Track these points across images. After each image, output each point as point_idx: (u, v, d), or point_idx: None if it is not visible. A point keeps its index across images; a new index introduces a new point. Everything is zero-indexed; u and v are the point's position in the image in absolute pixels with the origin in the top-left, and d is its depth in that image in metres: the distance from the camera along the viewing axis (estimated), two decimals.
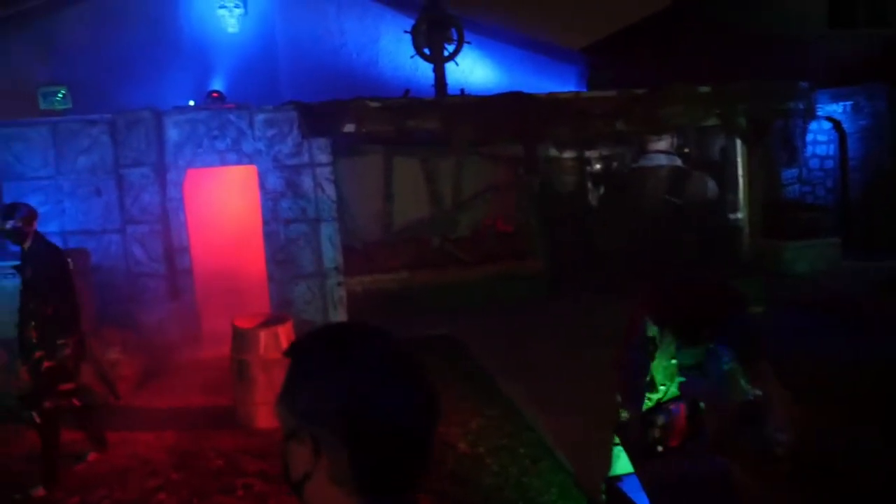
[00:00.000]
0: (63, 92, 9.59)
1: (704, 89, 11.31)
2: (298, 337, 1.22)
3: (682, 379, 3.76)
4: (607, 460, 4.26)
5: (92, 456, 5.57)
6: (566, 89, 12.58)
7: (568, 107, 10.93)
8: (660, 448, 3.19)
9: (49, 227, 9.16)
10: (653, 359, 3.76)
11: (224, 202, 10.57)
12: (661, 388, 3.85)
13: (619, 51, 16.06)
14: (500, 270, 10.72)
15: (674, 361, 3.74)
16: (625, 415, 4.04)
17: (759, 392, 3.02)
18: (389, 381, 1.14)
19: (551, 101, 11.00)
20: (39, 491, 5.01)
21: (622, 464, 4.06)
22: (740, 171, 11.82)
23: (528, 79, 13.33)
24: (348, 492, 1.12)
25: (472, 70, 13.44)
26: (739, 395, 3.39)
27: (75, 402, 5.41)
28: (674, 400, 3.30)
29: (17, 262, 5.41)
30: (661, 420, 3.22)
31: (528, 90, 11.16)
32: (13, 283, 6.00)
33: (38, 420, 5.12)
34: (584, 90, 13.64)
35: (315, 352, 1.19)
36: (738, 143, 11.79)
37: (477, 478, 5.09)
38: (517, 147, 11.06)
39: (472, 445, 5.59)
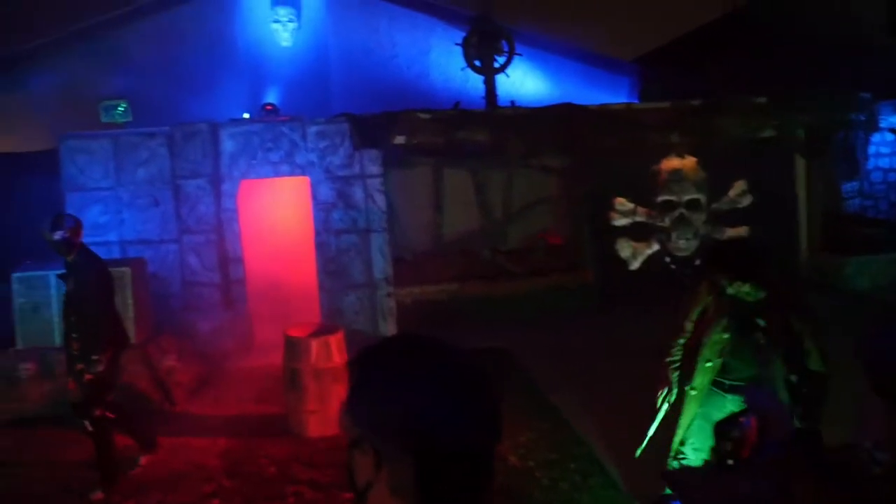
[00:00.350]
0: (124, 105, 9.87)
1: (761, 100, 11.07)
2: (364, 347, 1.22)
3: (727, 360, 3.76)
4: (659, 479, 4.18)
5: (144, 459, 5.66)
6: (617, 100, 12.47)
7: (619, 118, 10.83)
8: (731, 461, 3.14)
9: (109, 236, 9.45)
10: (707, 333, 3.77)
11: (277, 213, 10.73)
12: (708, 364, 3.80)
13: (672, 61, 15.83)
14: (551, 283, 10.62)
15: (726, 336, 3.71)
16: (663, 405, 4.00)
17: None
18: (452, 396, 1.13)
19: (602, 112, 10.90)
20: (98, 495, 5.11)
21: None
22: (798, 184, 11.51)
23: (579, 90, 13.26)
24: None
25: (523, 82, 13.42)
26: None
27: (108, 414, 5.40)
28: (744, 413, 3.24)
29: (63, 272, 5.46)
30: (735, 433, 3.16)
31: (579, 101, 11.10)
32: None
33: (90, 428, 5.23)
34: (636, 101, 13.49)
35: (379, 363, 1.18)
36: (797, 155, 11.49)
37: (527, 492, 5.03)
38: (568, 158, 10.98)
39: (523, 459, 5.53)
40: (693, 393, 3.89)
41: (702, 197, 10.88)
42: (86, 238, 9.15)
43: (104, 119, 9.79)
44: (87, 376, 5.11)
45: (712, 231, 10.89)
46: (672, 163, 10.93)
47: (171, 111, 11.24)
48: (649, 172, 10.94)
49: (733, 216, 11.01)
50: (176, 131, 9.53)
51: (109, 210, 9.52)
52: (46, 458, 5.92)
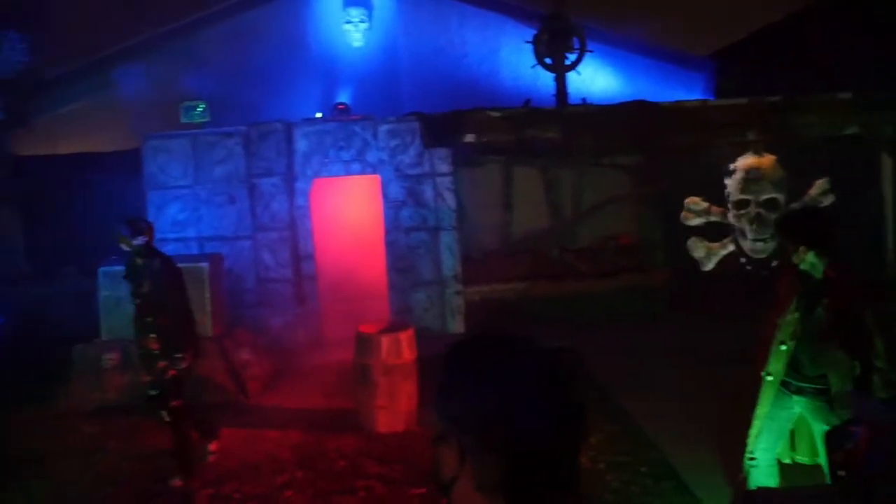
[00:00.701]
0: (202, 106, 10.18)
1: (845, 96, 10.64)
2: (453, 343, 1.22)
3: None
4: (735, 487, 4.07)
5: (213, 446, 5.79)
6: (692, 97, 12.18)
7: (693, 116, 10.58)
8: (842, 473, 3.03)
9: (187, 233, 9.77)
10: (781, 315, 3.73)
11: (347, 211, 10.88)
12: (782, 347, 3.72)
13: (749, 56, 15.35)
14: (621, 284, 10.46)
15: (797, 315, 3.62)
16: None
17: None
18: (539, 394, 1.12)
19: (676, 109, 10.68)
20: (177, 482, 5.29)
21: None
22: (885, 184, 11.02)
23: (652, 87, 13.01)
24: (491, 500, 1.11)
25: (594, 79, 13.25)
26: None
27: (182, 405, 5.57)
28: (854, 422, 3.14)
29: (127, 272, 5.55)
30: (847, 444, 3.06)
31: (652, 98, 10.91)
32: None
33: (167, 418, 5.42)
34: (712, 98, 13.15)
35: (466, 359, 1.18)
36: (883, 154, 10.99)
37: (598, 494, 4.96)
38: (640, 157, 10.79)
39: (593, 461, 5.46)
40: (769, 379, 3.82)
41: (780, 196, 10.51)
42: (166, 234, 9.54)
43: (184, 119, 10.11)
44: (171, 372, 5.30)
45: None
46: (749, 161, 10.61)
47: (246, 111, 11.53)
48: (725, 171, 10.65)
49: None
50: (252, 131, 9.77)
51: (188, 207, 9.84)
52: (128, 445, 6.17)
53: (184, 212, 9.84)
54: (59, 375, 7.76)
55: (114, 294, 7.55)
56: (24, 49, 11.20)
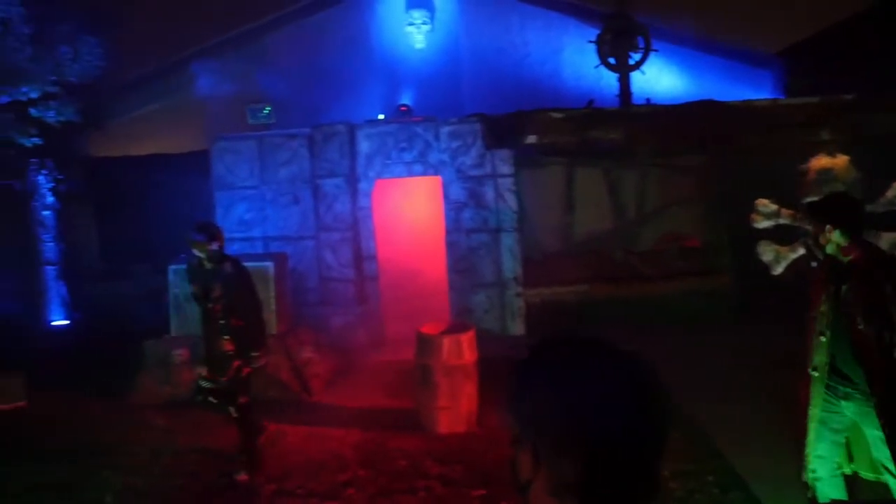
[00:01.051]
0: (268, 108, 10.38)
1: None
2: (531, 344, 1.21)
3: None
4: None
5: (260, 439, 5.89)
6: (761, 96, 11.85)
7: (763, 115, 10.30)
8: None
9: (253, 232, 9.98)
10: (817, 306, 3.66)
11: (409, 212, 10.95)
12: (822, 339, 3.62)
13: (821, 53, 14.84)
14: (686, 287, 10.24)
15: (828, 303, 3.68)
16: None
17: None
18: (619, 399, 1.10)
19: (744, 108, 10.41)
20: (242, 476, 5.41)
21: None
22: None
23: (719, 86, 12.72)
24: None
25: (658, 78, 13.03)
26: None
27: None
28: None
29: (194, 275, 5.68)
30: None
31: (719, 98, 10.66)
32: None
33: (235, 414, 5.54)
34: (782, 97, 12.77)
35: (543, 361, 1.17)
36: None
37: (662, 503, 4.86)
38: (706, 158, 10.55)
39: None
40: (815, 374, 3.74)
41: None
42: (232, 233, 9.76)
43: (251, 121, 10.33)
44: (246, 370, 5.44)
45: (867, 235, 10.14)
46: (821, 161, 10.23)
47: (310, 112, 11.73)
48: (796, 172, 10.31)
49: (890, 219, 10.21)
50: (316, 132, 9.92)
51: (254, 207, 10.05)
52: (196, 439, 6.33)
53: (250, 212, 10.05)
54: (130, 370, 8.04)
55: (183, 291, 7.74)
56: (101, 54, 11.61)
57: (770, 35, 13.88)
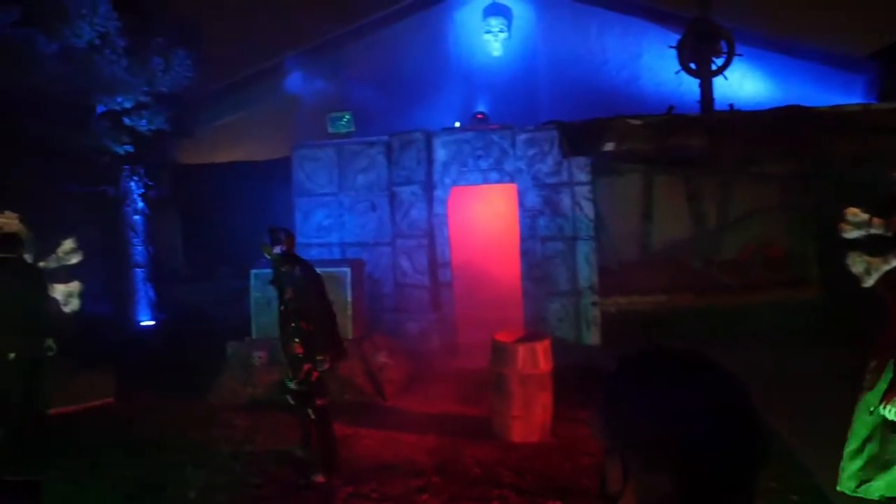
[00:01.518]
0: (348, 116, 10.59)
1: None
2: (623, 354, 1.19)
3: None
4: None
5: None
6: (851, 101, 11.37)
7: (854, 121, 9.88)
8: None
9: (331, 238, 10.18)
10: None
11: (483, 219, 10.96)
12: None
13: None
14: (769, 299, 9.90)
15: None
16: None
17: None
18: (711, 414, 1.07)
19: (834, 114, 10.01)
20: (319, 477, 5.51)
21: None
22: None
23: (805, 90, 12.28)
24: None
25: (741, 83, 12.67)
26: None
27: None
28: None
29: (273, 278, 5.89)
30: None
31: (807, 103, 10.28)
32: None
33: (312, 416, 5.66)
34: (874, 101, 12.22)
35: (636, 372, 1.15)
36: None
37: None
38: (792, 166, 10.18)
39: None
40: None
41: None
42: (311, 239, 9.98)
43: (331, 130, 10.55)
44: (315, 374, 5.55)
45: None
46: None
47: (388, 120, 11.89)
48: (889, 180, 9.84)
49: None
50: (394, 140, 10.06)
51: (332, 214, 10.25)
52: (275, 440, 6.48)
53: (328, 218, 10.26)
54: (213, 370, 8.33)
55: (264, 295, 7.97)
56: (190, 65, 12.09)
57: (862, 37, 13.31)
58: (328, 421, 5.76)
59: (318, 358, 5.57)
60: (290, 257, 5.72)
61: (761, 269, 10.26)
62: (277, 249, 5.68)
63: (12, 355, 6.07)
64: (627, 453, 1.09)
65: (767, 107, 10.51)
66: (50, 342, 6.45)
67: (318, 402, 5.65)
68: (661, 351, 1.18)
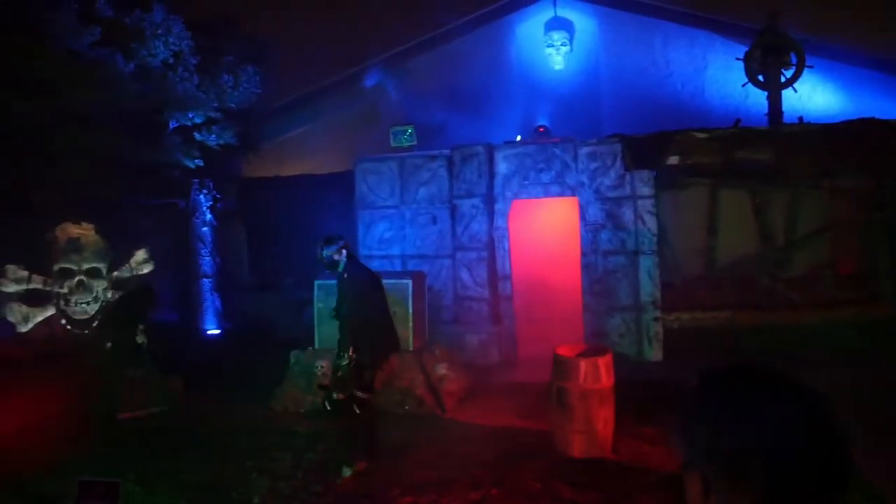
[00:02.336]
0: (410, 130, 10.71)
1: None
2: (706, 370, 1.18)
3: None
4: None
5: (360, 466, 6.10)
6: None
7: None
8: None
9: (392, 250, 10.29)
10: None
11: (544, 232, 10.91)
12: None
13: None
14: (840, 317, 9.56)
15: None
16: None
17: None
18: (795, 432, 1.04)
19: None
20: (361, 464, 5.82)
21: None
22: None
23: (880, 103, 11.89)
24: None
25: (811, 96, 12.35)
26: None
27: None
28: None
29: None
30: None
31: (879, 115, 9.95)
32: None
33: (358, 410, 5.88)
34: None
35: (718, 389, 1.13)
36: None
37: None
38: (865, 180, 9.85)
39: None
40: None
41: None
42: (373, 251, 10.10)
43: (393, 144, 10.69)
44: (368, 373, 5.87)
45: None
46: None
47: (449, 134, 11.98)
48: None
49: None
50: (455, 153, 10.12)
51: (394, 226, 10.36)
52: (335, 448, 6.56)
53: (390, 230, 10.38)
54: (276, 378, 8.51)
55: (327, 305, 8.07)
56: (258, 82, 12.44)
57: None
58: (371, 413, 6.07)
59: (343, 353, 5.85)
60: (337, 262, 6.01)
61: (831, 286, 9.93)
62: (324, 253, 5.97)
63: (109, 345, 7.27)
64: (709, 469, 1.08)
65: (839, 119, 10.21)
66: (142, 336, 7.62)
67: (363, 397, 5.92)
68: (750, 366, 1.16)
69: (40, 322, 11.51)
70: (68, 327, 11.52)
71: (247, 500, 5.43)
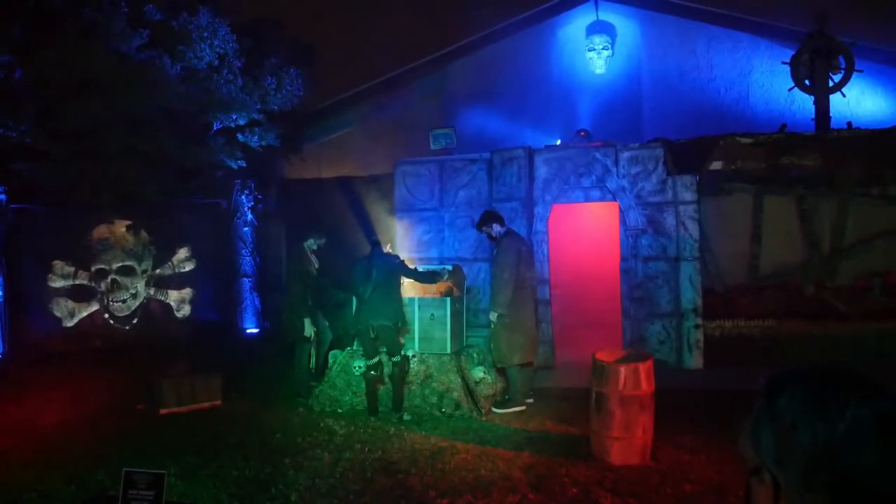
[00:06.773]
0: (450, 133, 10.71)
1: None
2: (776, 371, 1.14)
3: None
4: None
5: None
6: None
7: None
8: None
9: (430, 253, 10.30)
10: None
11: (584, 237, 10.84)
12: None
13: None
14: (889, 328, 9.30)
15: None
16: None
17: None
18: (870, 435, 1.01)
19: None
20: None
21: None
22: None
23: None
24: None
25: (860, 101, 12.06)
26: None
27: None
28: None
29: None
30: None
31: None
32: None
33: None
34: None
35: (792, 391, 1.10)
36: None
37: None
38: None
39: None
40: None
41: None
42: (411, 254, 10.11)
43: (433, 147, 10.71)
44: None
45: None
46: None
47: (489, 137, 11.96)
48: None
49: None
50: (495, 157, 10.10)
51: (432, 229, 10.38)
52: (372, 447, 6.60)
53: (428, 233, 10.40)
54: (314, 377, 8.60)
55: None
56: (300, 84, 12.57)
57: None
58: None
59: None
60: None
61: (881, 295, 9.68)
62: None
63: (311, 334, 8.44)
64: (779, 475, 1.05)
65: (890, 125, 9.96)
66: (309, 329, 8.45)
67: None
68: (819, 369, 1.12)
69: (85, 317, 11.79)
70: (111, 322, 11.78)
71: (285, 496, 5.48)
